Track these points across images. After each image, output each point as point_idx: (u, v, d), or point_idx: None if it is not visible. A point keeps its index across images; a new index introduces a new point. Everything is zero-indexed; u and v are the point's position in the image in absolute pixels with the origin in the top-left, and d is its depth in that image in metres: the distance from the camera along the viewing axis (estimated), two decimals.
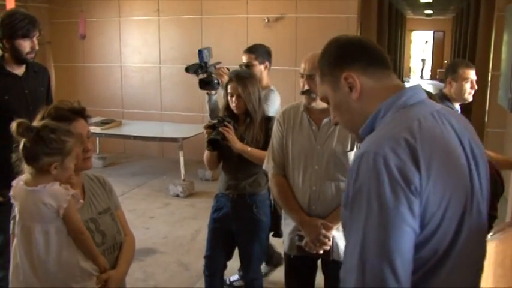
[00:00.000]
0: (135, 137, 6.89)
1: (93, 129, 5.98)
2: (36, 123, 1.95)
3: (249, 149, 2.97)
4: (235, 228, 3.14)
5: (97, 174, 2.29)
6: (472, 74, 3.62)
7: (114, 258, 2.12)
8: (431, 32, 24.82)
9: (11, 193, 1.96)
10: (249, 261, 3.19)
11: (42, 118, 2.03)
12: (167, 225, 5.16)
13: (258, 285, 3.26)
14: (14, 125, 1.86)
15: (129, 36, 8.20)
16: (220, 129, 2.89)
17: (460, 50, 14.41)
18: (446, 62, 22.29)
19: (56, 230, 1.88)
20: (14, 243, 1.95)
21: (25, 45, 3.07)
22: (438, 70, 23.21)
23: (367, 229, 1.19)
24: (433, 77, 23.68)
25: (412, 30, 24.54)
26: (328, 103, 1.51)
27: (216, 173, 3.90)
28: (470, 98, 3.69)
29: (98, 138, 7.27)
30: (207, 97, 3.79)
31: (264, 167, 2.79)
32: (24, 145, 1.86)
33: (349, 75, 1.41)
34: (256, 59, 3.84)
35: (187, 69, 3.77)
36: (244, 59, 3.86)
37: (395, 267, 1.15)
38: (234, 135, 2.93)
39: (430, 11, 18.85)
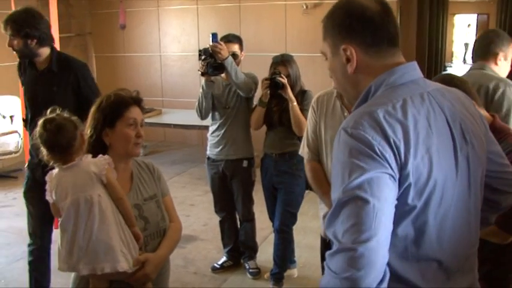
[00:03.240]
0: (175, 126, 6.96)
1: None
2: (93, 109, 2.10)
3: (295, 103, 3.42)
4: (276, 181, 3.68)
5: (147, 161, 2.33)
6: None
7: (157, 244, 2.14)
8: (475, 15, 24.08)
9: (47, 179, 2.01)
10: (287, 207, 3.64)
11: (101, 103, 2.10)
12: (207, 213, 5.20)
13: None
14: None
15: (168, 26, 8.26)
16: (279, 78, 3.41)
17: None
18: None
19: (98, 198, 1.91)
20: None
21: (9, 42, 3.13)
22: None
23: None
24: None
25: (454, 14, 23.86)
26: (326, 58, 1.46)
27: (257, 161, 3.92)
28: None
29: None
30: (206, 85, 3.69)
31: (299, 153, 2.88)
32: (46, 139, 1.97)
33: (348, 47, 1.34)
34: (239, 48, 3.81)
35: (204, 53, 3.59)
36: (232, 48, 3.71)
37: None
38: (287, 85, 3.41)
39: None
